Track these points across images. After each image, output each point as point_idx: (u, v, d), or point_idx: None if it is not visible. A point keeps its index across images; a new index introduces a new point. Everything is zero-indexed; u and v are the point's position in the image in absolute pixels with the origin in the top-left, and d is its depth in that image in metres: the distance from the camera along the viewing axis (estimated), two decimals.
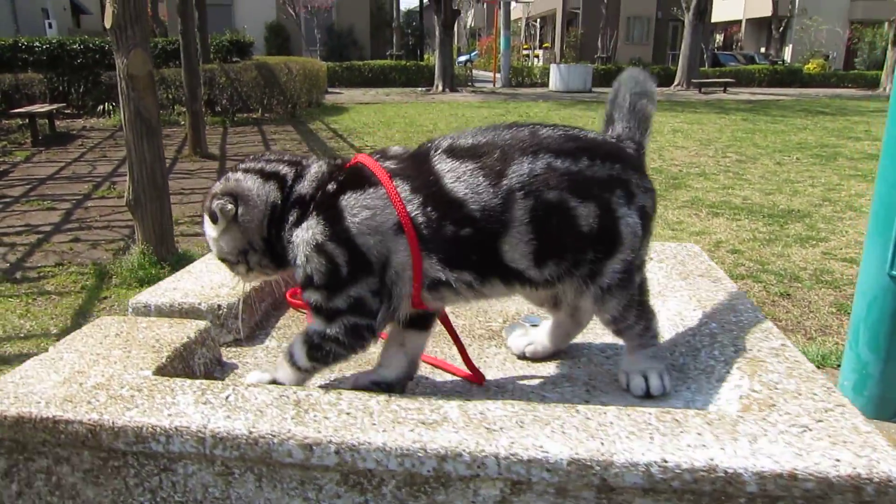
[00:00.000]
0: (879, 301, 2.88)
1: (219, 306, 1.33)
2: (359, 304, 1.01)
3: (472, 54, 33.14)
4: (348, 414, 0.90)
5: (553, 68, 21.89)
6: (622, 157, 1.10)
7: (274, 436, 0.85)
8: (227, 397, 0.94)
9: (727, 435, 0.84)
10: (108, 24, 4.05)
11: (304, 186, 1.06)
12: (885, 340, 2.91)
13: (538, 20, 40.05)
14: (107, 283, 4.21)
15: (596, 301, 1.08)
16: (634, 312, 1.10)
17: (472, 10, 41.81)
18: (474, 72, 25.91)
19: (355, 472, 0.86)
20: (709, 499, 0.81)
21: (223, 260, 1.11)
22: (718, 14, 35.07)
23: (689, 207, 6.73)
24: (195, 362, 1.17)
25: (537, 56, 33.35)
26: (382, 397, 0.95)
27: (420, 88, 21.21)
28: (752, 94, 21.45)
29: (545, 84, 23.15)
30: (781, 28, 30.68)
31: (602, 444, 0.82)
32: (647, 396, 1.10)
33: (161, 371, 1.06)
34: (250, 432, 0.86)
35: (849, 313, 3.90)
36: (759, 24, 36.00)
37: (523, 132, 1.06)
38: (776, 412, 0.90)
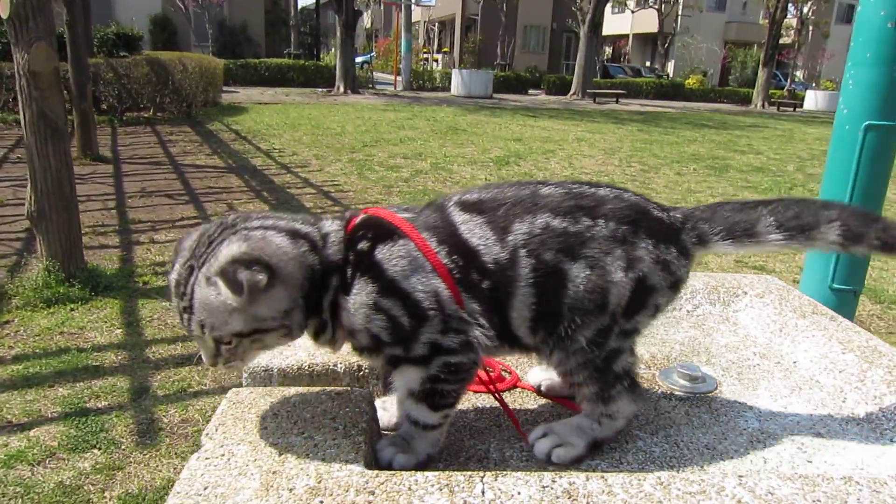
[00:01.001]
0: None
1: (359, 367, 1.11)
2: (437, 347, 0.97)
3: (370, 55, 32.78)
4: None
5: (455, 73, 21.98)
6: (638, 219, 1.04)
7: None
8: (482, 493, 0.78)
9: None
10: (4, 14, 3.53)
11: (334, 250, 1.01)
12: None
13: (437, 24, 40.24)
14: (6, 305, 3.67)
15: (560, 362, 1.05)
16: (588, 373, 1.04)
17: (370, 11, 41.45)
18: (375, 74, 25.55)
19: None
20: None
21: (248, 333, 0.94)
22: (608, 28, 36.74)
23: None
24: (374, 441, 0.99)
25: (436, 60, 33.46)
26: (654, 478, 0.83)
27: (320, 89, 20.66)
28: (642, 106, 22.54)
29: (446, 88, 23.23)
30: (666, 44, 32.56)
31: None
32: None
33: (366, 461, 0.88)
34: None
35: None
36: (644, 40, 38.11)
37: (525, 190, 1.06)
38: None
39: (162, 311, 3.65)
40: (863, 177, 2.95)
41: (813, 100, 26.81)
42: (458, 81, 21.64)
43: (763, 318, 1.47)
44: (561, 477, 0.81)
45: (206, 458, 0.85)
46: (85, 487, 2.18)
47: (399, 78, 23.52)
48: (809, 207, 1.09)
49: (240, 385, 1.09)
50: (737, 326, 1.49)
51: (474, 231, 1.01)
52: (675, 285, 1.06)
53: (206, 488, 0.78)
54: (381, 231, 1.02)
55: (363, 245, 1.00)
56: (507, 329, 1.01)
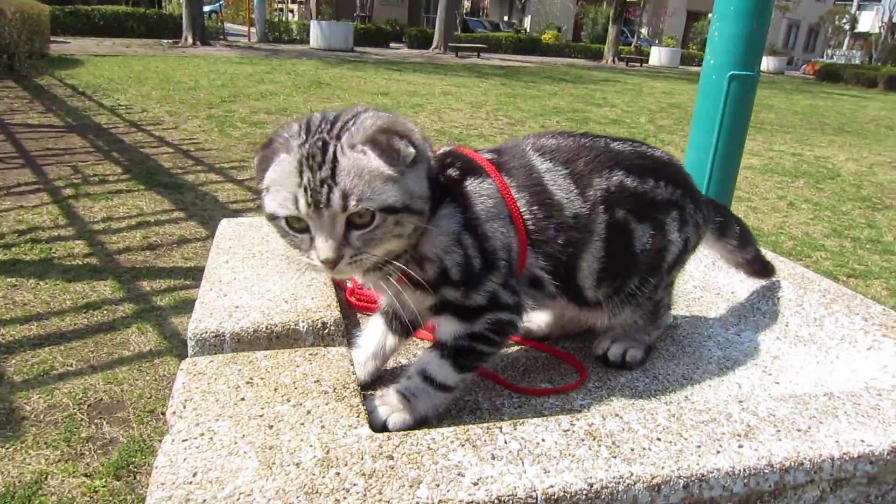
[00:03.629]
0: None
1: (323, 324, 1.00)
2: (495, 300, 0.93)
3: (219, 4, 30.60)
4: (659, 440, 0.77)
5: (314, 25, 21.07)
6: (685, 185, 1.13)
7: (617, 482, 0.69)
8: (506, 443, 0.74)
9: None
10: None
11: (433, 161, 0.94)
12: None
13: None
14: None
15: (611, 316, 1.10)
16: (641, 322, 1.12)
17: None
18: (226, 24, 23.93)
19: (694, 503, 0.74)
20: None
21: (400, 209, 0.83)
22: None
23: None
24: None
25: (291, 11, 31.94)
26: (665, 411, 0.83)
27: (165, 41, 19.03)
28: (503, 61, 22.95)
29: (304, 41, 22.27)
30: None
31: None
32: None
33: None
34: (590, 485, 0.69)
35: None
36: None
37: (600, 143, 1.07)
38: None
39: (7, 288, 3.20)
40: (727, 124, 3.16)
41: (657, 56, 28.61)
42: (318, 33, 20.79)
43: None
44: (578, 420, 0.78)
45: (184, 440, 0.73)
46: None
47: (253, 29, 22.20)
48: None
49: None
50: None
51: (558, 183, 0.99)
52: (698, 244, 1.19)
53: (195, 474, 0.67)
54: (469, 165, 0.97)
55: (453, 172, 0.95)
56: (571, 280, 1.01)
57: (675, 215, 1.07)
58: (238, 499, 0.64)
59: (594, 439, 0.75)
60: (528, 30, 33.57)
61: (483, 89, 13.80)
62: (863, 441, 0.79)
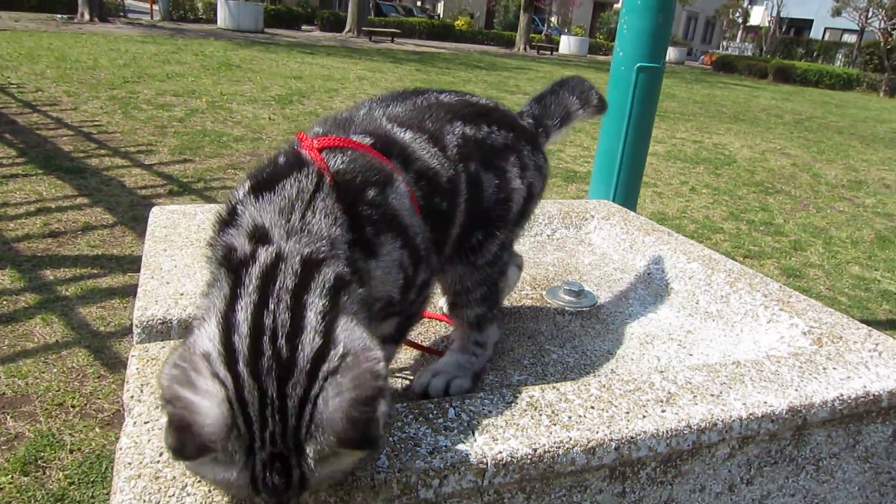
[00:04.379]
0: None
1: None
2: (426, 287, 0.90)
3: None
4: (593, 408, 0.84)
5: (221, 4, 20.25)
6: (516, 126, 1.09)
7: (558, 447, 0.76)
8: (458, 416, 0.79)
9: (849, 366, 1.02)
10: None
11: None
12: None
13: None
14: None
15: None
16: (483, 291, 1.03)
17: None
18: (126, 1, 22.64)
19: (625, 464, 0.82)
20: (856, 418, 0.99)
21: None
22: None
23: None
24: None
25: None
26: (597, 382, 0.91)
27: (59, 16, 17.82)
28: (417, 46, 22.89)
29: (211, 20, 21.39)
30: None
31: (797, 390, 0.93)
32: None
33: None
34: (534, 450, 0.74)
35: None
36: None
37: (431, 99, 1.03)
38: (848, 343, 1.11)
39: None
40: (636, 113, 3.34)
41: (567, 44, 29.33)
42: (226, 13, 20.02)
43: (613, 237, 1.63)
44: (520, 393, 0.85)
45: (146, 423, 0.74)
46: None
47: (156, 7, 21.12)
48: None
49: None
50: (592, 247, 1.64)
51: (427, 150, 0.91)
52: (542, 191, 1.12)
53: (161, 454, 0.69)
54: (372, 168, 0.82)
55: (372, 193, 0.80)
56: (439, 250, 0.94)
57: (514, 160, 1.02)
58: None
59: (535, 409, 0.82)
60: (440, 15, 33.60)
61: (398, 74, 13.75)
62: (766, 402, 0.90)
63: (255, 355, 0.59)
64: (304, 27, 25.06)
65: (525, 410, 0.81)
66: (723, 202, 6.22)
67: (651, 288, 1.42)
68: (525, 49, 26.64)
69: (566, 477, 0.78)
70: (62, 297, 2.87)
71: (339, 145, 0.82)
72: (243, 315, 0.61)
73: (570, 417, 0.81)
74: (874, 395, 0.97)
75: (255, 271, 0.65)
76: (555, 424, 0.79)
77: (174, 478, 0.65)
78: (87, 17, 17.21)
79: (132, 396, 0.78)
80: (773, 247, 4.97)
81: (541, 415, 0.80)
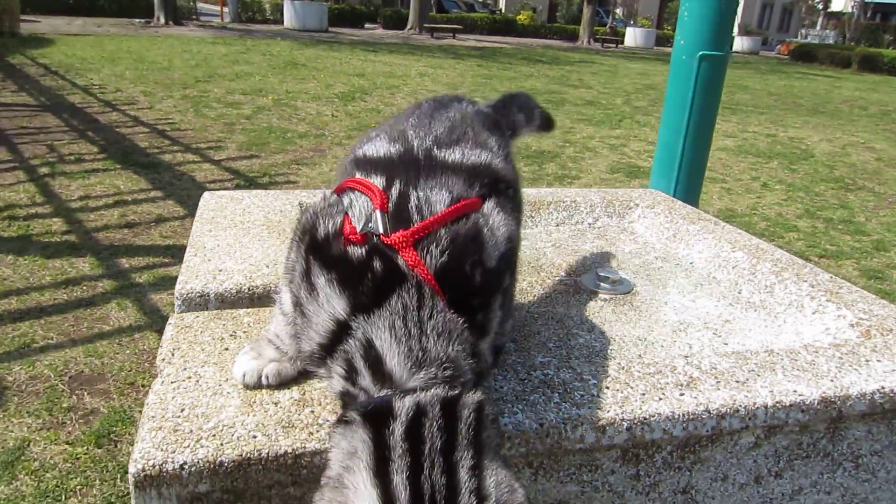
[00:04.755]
0: None
1: None
2: None
3: None
4: (608, 388, 0.84)
5: (287, 5, 20.78)
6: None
7: (565, 423, 0.78)
8: None
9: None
10: None
11: None
12: None
13: None
14: None
15: None
16: None
17: None
18: (198, 4, 23.50)
19: (637, 446, 0.82)
20: None
21: None
22: None
23: None
24: None
25: None
26: (616, 364, 0.91)
27: (137, 20, 18.68)
28: (478, 41, 22.86)
29: (278, 21, 21.97)
30: None
31: (832, 381, 0.89)
32: None
33: None
34: (541, 424, 0.77)
35: None
36: None
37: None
38: None
39: None
40: (698, 105, 3.24)
41: (632, 36, 28.68)
42: (292, 13, 20.52)
43: (657, 226, 1.60)
44: (535, 371, 0.85)
45: (173, 382, 0.80)
46: None
47: (226, 9, 21.85)
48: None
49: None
50: (635, 235, 1.62)
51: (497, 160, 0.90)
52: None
53: (182, 410, 0.74)
54: (474, 242, 0.78)
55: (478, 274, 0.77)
56: None
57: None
58: (221, 429, 0.71)
59: (548, 387, 0.82)
60: (503, 10, 33.42)
61: (459, 70, 13.77)
62: (795, 391, 0.87)
63: None
64: (366, 25, 25.40)
65: (537, 387, 0.81)
66: (797, 199, 5.96)
67: (692, 277, 1.39)
68: (589, 42, 26.19)
69: (575, 455, 0.78)
70: (136, 283, 3.04)
71: (432, 229, 0.74)
72: (400, 481, 0.60)
73: (582, 396, 0.81)
74: None
75: (398, 430, 0.63)
76: (565, 402, 0.79)
77: (191, 431, 0.69)
78: (162, 20, 17.98)
79: (164, 359, 0.83)
80: (852, 246, 4.73)
81: (552, 392, 0.80)
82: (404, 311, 0.67)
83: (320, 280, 0.70)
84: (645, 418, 0.79)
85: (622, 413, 0.78)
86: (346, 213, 0.74)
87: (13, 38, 12.51)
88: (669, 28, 35.05)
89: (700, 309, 1.24)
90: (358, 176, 0.79)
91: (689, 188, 3.32)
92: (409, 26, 23.54)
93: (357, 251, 0.71)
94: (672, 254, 1.50)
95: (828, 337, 1.12)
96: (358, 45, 17.28)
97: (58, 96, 7.64)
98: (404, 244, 0.71)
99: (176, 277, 1.11)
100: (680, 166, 3.33)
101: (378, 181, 0.77)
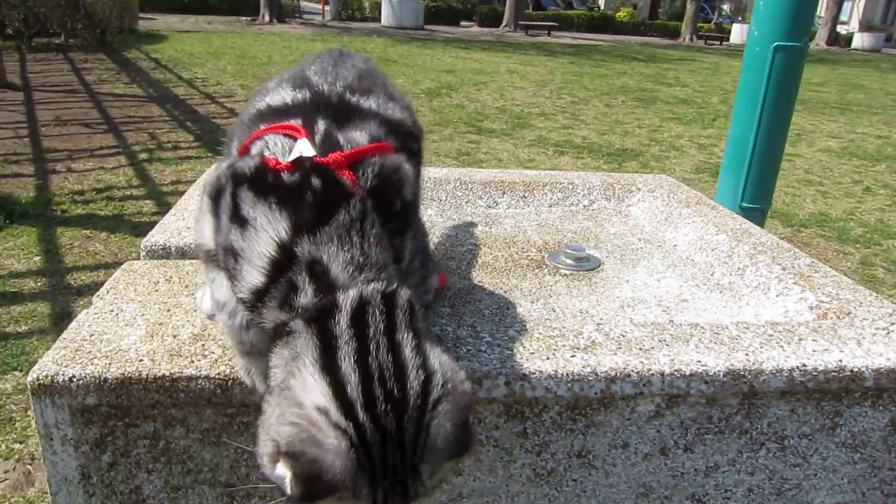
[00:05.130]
0: None
1: None
2: None
3: None
4: (499, 346, 0.87)
5: (385, 3, 21.30)
6: None
7: None
8: None
9: (836, 339, 0.93)
10: None
11: None
12: None
13: None
14: None
15: None
16: None
17: None
18: (302, 2, 24.49)
19: (521, 402, 0.84)
20: (831, 395, 0.90)
21: None
22: None
23: (536, 146, 6.98)
24: None
25: None
26: (519, 326, 0.93)
27: (244, 18, 19.73)
28: (574, 39, 22.53)
29: (376, 19, 22.55)
30: None
31: (747, 355, 0.88)
32: None
33: None
34: None
35: None
36: None
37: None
38: (855, 318, 1.00)
39: (82, 239, 3.56)
40: (771, 98, 3.09)
41: (739, 33, 27.32)
42: (389, 11, 21.01)
43: (652, 209, 1.57)
44: (435, 327, 0.89)
45: (95, 314, 0.88)
46: (7, 407, 2.17)
47: (327, 7, 22.66)
48: None
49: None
50: (628, 218, 1.59)
51: (392, 108, 0.91)
52: None
53: (91, 335, 0.82)
54: (397, 174, 0.83)
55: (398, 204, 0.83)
56: None
57: None
58: (116, 353, 0.79)
59: (439, 341, 0.85)
60: (601, 7, 32.71)
61: (549, 68, 13.65)
62: (699, 362, 0.85)
63: (371, 401, 0.63)
64: (462, 23, 25.59)
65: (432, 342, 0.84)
66: None
67: (669, 258, 1.36)
68: (691, 39, 25.20)
69: None
70: None
71: (364, 156, 0.77)
72: (348, 365, 0.63)
73: (468, 351, 0.83)
74: (852, 371, 0.88)
75: (343, 320, 0.66)
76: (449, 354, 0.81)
77: (89, 352, 0.78)
78: (267, 18, 18.89)
79: (98, 295, 0.93)
80: None
81: (443, 345, 0.83)
82: (350, 224, 0.70)
83: (256, 209, 0.70)
84: (525, 374, 0.80)
85: (501, 367, 0.80)
86: (263, 155, 0.75)
87: (131, 35, 13.54)
88: None
89: (661, 288, 1.22)
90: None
91: (759, 187, 3.18)
92: (503, 24, 23.53)
93: (293, 176, 0.72)
94: (658, 236, 1.47)
95: (785, 318, 1.08)
96: (451, 43, 17.46)
97: (164, 88, 8.24)
98: (341, 165, 0.73)
99: None
100: (750, 164, 3.19)
101: (295, 123, 0.79)
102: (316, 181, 0.71)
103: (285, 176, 0.72)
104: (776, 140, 3.19)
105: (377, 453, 0.62)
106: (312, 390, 0.63)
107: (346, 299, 0.66)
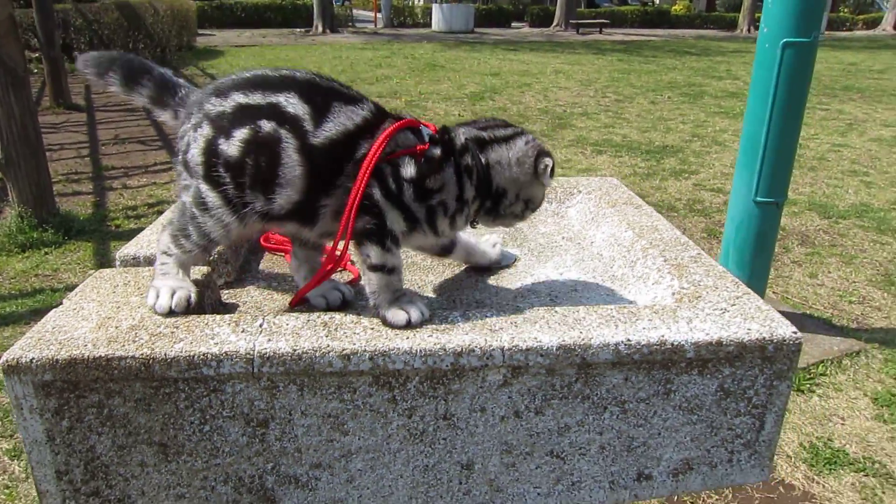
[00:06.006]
0: (746, 224, 3.29)
1: (219, 254, 1.40)
2: None
3: None
4: (370, 328, 1.07)
5: (435, 8, 21.65)
6: None
7: (316, 350, 1.00)
8: (260, 325, 1.07)
9: (670, 319, 1.11)
10: None
11: None
12: (751, 259, 3.33)
13: None
14: None
15: None
16: None
17: None
18: (354, 11, 25.11)
19: (385, 374, 1.03)
20: (658, 365, 1.07)
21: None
22: None
23: (574, 146, 7.07)
24: (205, 304, 1.24)
25: None
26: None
27: (298, 29, 20.43)
28: (626, 35, 22.28)
29: (427, 24, 22.91)
30: None
31: (580, 332, 1.06)
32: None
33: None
34: (294, 350, 1.01)
35: (718, 238, 4.35)
36: None
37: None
38: (702, 301, 1.18)
39: None
40: (782, 93, 3.16)
41: None
42: (439, 16, 21.34)
43: (584, 210, 1.73)
44: (324, 315, 1.10)
45: (61, 312, 1.13)
46: None
47: (379, 15, 23.17)
48: None
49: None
50: (562, 219, 1.76)
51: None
52: None
53: (53, 328, 1.07)
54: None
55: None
56: None
57: None
58: (68, 340, 1.02)
59: (324, 326, 1.06)
60: (656, 2, 32.12)
61: (597, 66, 13.61)
62: (536, 339, 1.03)
63: None
64: (513, 24, 25.68)
65: (316, 326, 1.06)
66: None
67: (581, 255, 1.52)
68: (749, 30, 24.50)
69: (331, 377, 1.01)
70: None
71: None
72: None
73: (344, 333, 1.04)
74: (673, 344, 1.04)
75: None
76: (327, 336, 1.02)
77: (48, 340, 1.03)
78: (320, 29, 19.50)
79: (67, 297, 1.18)
80: None
81: (325, 329, 1.04)
82: None
83: None
84: (385, 351, 1.00)
85: (366, 346, 1.00)
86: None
87: (190, 51, 14.27)
88: (846, 10, 31.72)
89: (560, 281, 1.39)
90: None
91: (773, 181, 3.26)
92: (554, 23, 23.49)
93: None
94: (581, 234, 1.63)
95: (652, 303, 1.24)
96: (500, 45, 17.61)
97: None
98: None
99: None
100: (763, 159, 3.27)
101: None
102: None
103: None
104: (788, 135, 3.24)
105: None
106: None
107: None
